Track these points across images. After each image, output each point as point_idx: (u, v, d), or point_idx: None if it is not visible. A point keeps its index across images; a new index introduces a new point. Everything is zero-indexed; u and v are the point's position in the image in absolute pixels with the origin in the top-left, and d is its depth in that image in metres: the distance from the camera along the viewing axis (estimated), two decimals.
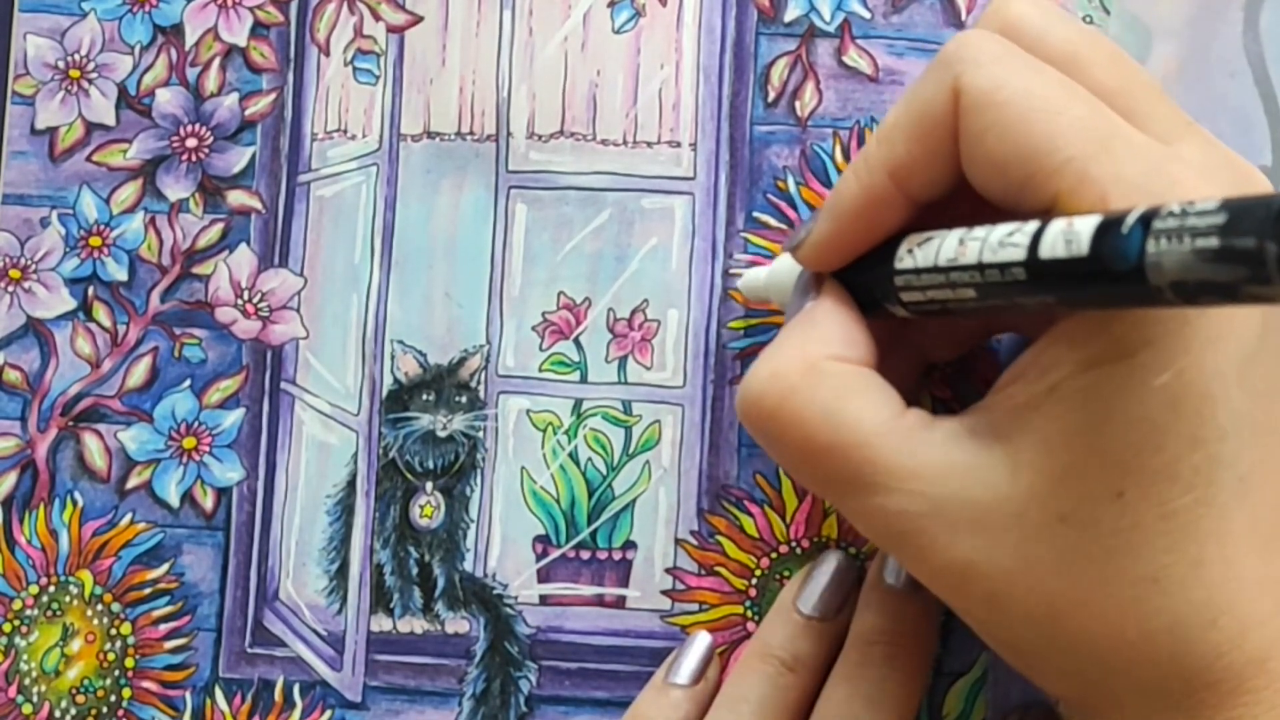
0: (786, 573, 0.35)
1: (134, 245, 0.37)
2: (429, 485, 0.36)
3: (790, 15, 0.36)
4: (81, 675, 0.36)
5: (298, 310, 0.37)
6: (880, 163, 0.27)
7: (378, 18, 0.37)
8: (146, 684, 0.36)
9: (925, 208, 0.28)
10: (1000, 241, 0.24)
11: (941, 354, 0.33)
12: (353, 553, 0.36)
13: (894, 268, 0.27)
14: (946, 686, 0.34)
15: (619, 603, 0.35)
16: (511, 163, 0.36)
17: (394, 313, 0.36)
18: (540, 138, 0.36)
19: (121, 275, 0.37)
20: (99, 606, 0.36)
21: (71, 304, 0.37)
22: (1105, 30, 0.35)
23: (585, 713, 0.35)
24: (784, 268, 0.32)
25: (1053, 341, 0.25)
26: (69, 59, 0.37)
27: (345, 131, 0.37)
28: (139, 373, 0.37)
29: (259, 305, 0.37)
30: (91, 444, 0.36)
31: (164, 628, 0.36)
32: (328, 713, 0.36)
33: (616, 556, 0.35)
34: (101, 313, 0.37)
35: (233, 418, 0.36)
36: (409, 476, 0.36)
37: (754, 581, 0.35)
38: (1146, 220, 0.21)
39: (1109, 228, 0.22)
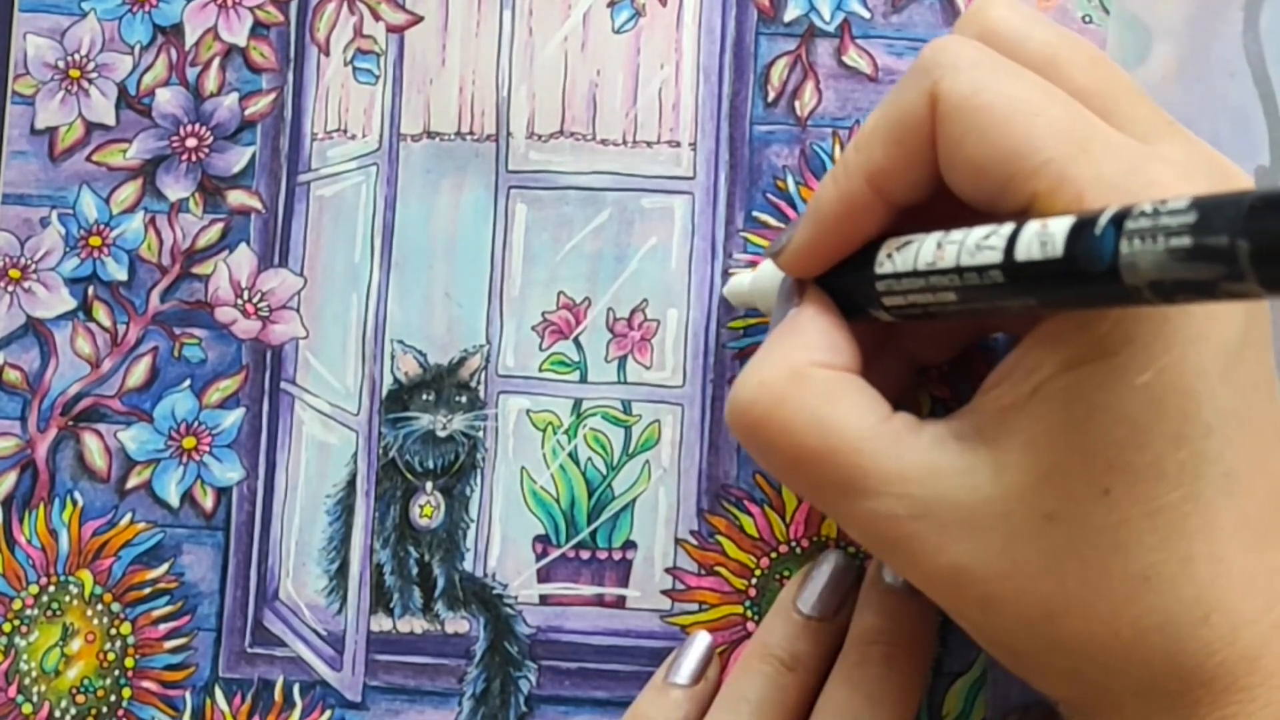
0: (786, 573, 0.35)
1: (134, 245, 0.37)
2: (429, 485, 0.36)
3: (790, 15, 0.36)
4: (81, 675, 0.36)
5: (298, 310, 0.37)
6: (858, 168, 0.27)
7: (378, 18, 0.37)
8: (146, 684, 0.36)
9: (905, 212, 0.28)
10: (977, 244, 0.24)
11: (931, 356, 0.33)
12: (353, 553, 0.36)
13: (874, 273, 0.27)
14: (946, 686, 0.34)
15: (619, 603, 0.35)
16: (511, 163, 0.36)
17: (394, 313, 0.36)
18: (540, 138, 0.36)
19: (121, 275, 0.37)
20: (99, 606, 0.36)
21: (71, 304, 0.37)
22: (1105, 30, 0.35)
23: (585, 713, 0.35)
24: (767, 274, 0.32)
25: (1035, 343, 0.25)
26: (69, 59, 0.37)
27: (345, 131, 0.37)
28: (139, 373, 0.37)
29: (259, 305, 0.37)
30: (91, 444, 0.36)
31: (164, 628, 0.36)
32: (328, 713, 0.36)
33: (616, 556, 0.35)
34: (101, 313, 0.37)
35: (233, 418, 0.36)
36: (409, 476, 0.36)
37: (754, 581, 0.35)
38: (1119, 220, 0.21)
39: (1082, 229, 0.22)
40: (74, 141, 0.37)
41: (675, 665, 0.34)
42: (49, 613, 0.36)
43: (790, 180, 0.36)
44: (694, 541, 0.35)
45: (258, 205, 0.37)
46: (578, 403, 0.36)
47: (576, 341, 0.36)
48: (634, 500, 0.35)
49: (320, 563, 0.36)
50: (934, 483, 0.25)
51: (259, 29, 0.37)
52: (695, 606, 0.35)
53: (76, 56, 0.37)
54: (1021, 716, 0.33)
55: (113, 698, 0.36)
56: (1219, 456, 0.24)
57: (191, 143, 0.37)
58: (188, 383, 0.36)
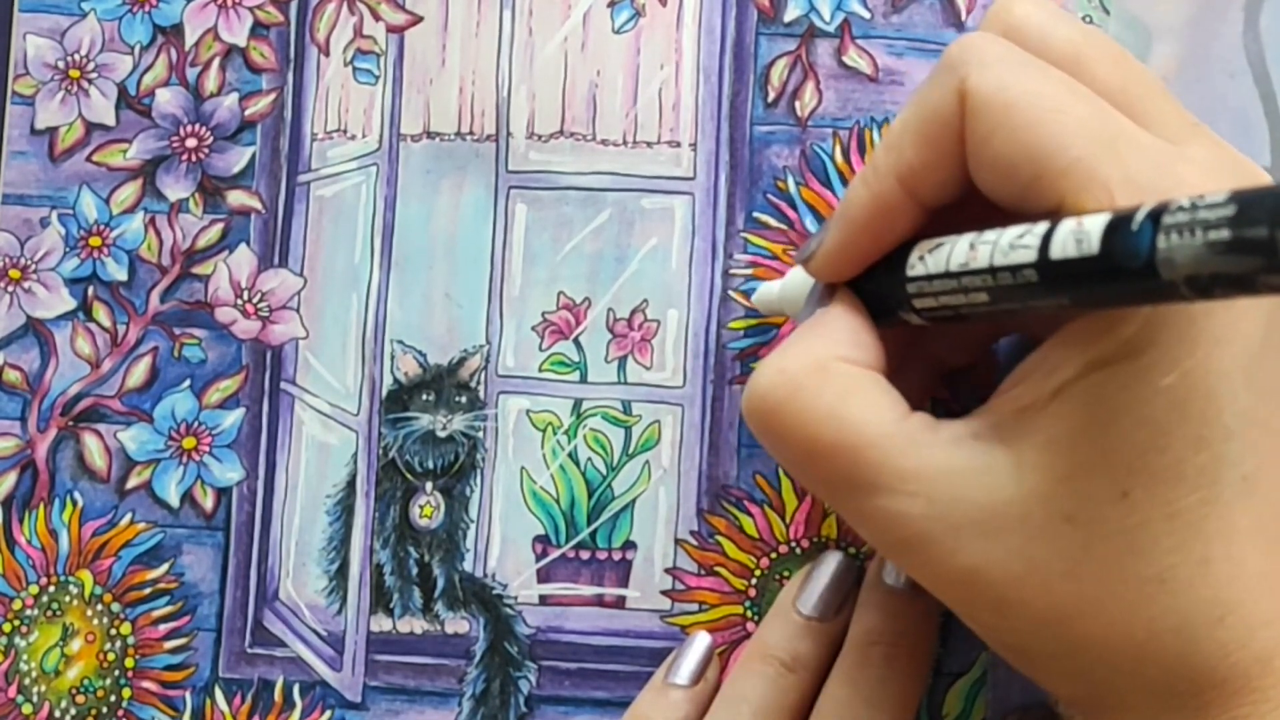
0: (786, 573, 0.35)
1: (134, 245, 0.37)
2: (429, 485, 0.36)
3: (790, 15, 0.36)
4: (81, 675, 0.36)
5: (297, 310, 0.37)
6: (889, 169, 0.27)
7: (378, 18, 0.37)
8: (146, 684, 0.36)
9: (935, 214, 0.27)
10: (1011, 244, 0.24)
11: (957, 358, 0.33)
12: (352, 553, 0.36)
13: (905, 275, 0.27)
14: (946, 686, 0.34)
15: (619, 603, 0.35)
16: (511, 163, 0.36)
17: (394, 313, 0.36)
18: (540, 138, 0.36)
19: (121, 275, 0.37)
20: (99, 606, 0.36)
21: (71, 304, 0.37)
22: (1105, 30, 0.35)
23: (585, 713, 0.35)
24: (796, 280, 0.32)
25: (1059, 343, 0.25)
26: (69, 59, 0.37)
27: (345, 131, 0.37)
28: (139, 373, 0.37)
29: (259, 305, 0.37)
30: (91, 444, 0.36)
31: (164, 628, 0.36)
32: (328, 713, 0.35)
33: (616, 556, 0.35)
34: (101, 313, 0.37)
35: (233, 418, 0.36)
36: (409, 476, 0.36)
37: (754, 582, 0.35)
38: (1156, 216, 0.21)
39: (1119, 225, 0.21)
40: (74, 142, 0.37)
41: (675, 666, 0.34)
42: (49, 613, 0.36)
43: (790, 181, 0.36)
44: (694, 542, 0.35)
45: (258, 205, 0.37)
46: (578, 403, 0.36)
47: (576, 342, 0.36)
48: (634, 500, 0.35)
49: (320, 563, 0.36)
50: (950, 483, 0.25)
51: (259, 29, 0.37)
52: (695, 607, 0.35)
53: (76, 56, 0.37)
54: (1021, 717, 0.33)
55: (113, 698, 0.36)
56: (1239, 460, 0.24)
57: (191, 143, 0.37)
58: (188, 383, 0.36)
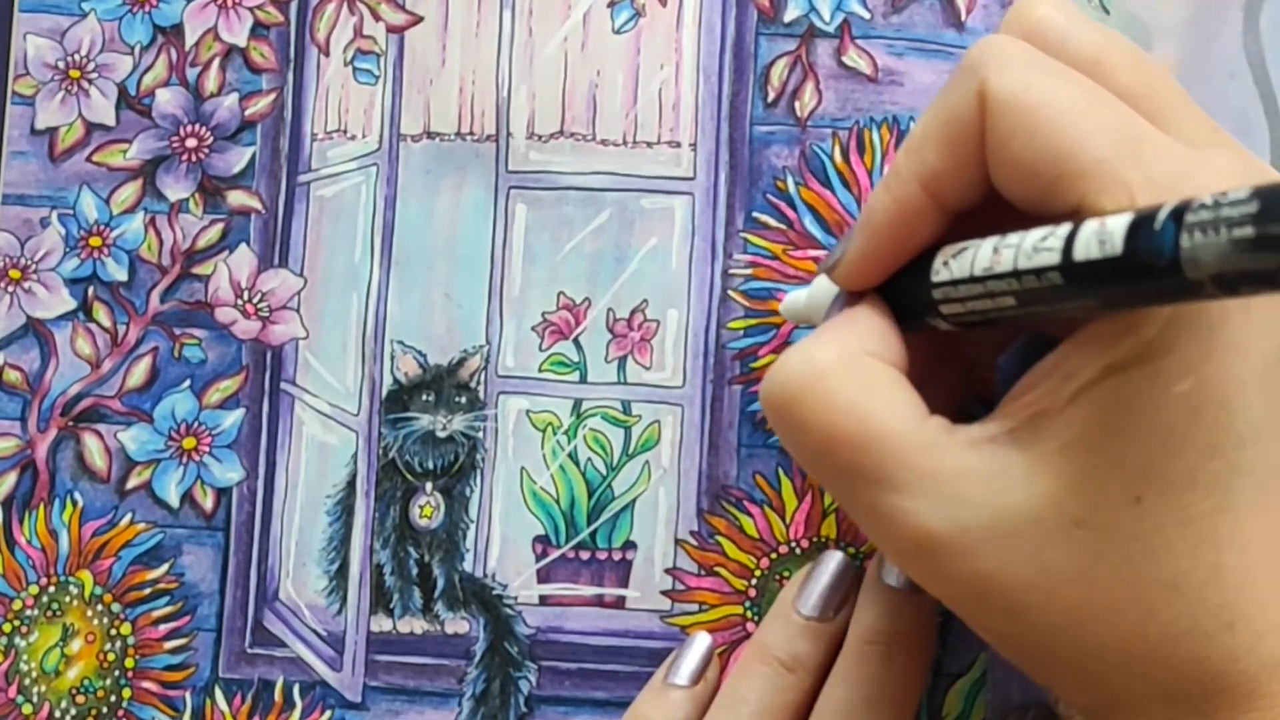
0: (786, 573, 0.35)
1: (134, 245, 0.37)
2: (429, 485, 0.36)
3: (790, 15, 0.36)
4: (81, 675, 0.36)
5: (298, 310, 0.37)
6: (911, 174, 0.26)
7: (378, 18, 0.37)
8: (146, 684, 0.36)
9: (958, 219, 0.27)
10: (1034, 247, 0.24)
11: (985, 361, 0.33)
12: (353, 553, 0.36)
13: (931, 281, 0.27)
14: (946, 687, 0.34)
15: (619, 603, 0.35)
16: (511, 163, 0.36)
17: (394, 313, 0.36)
18: (540, 138, 0.36)
19: (121, 275, 0.37)
20: (99, 607, 0.36)
21: (71, 304, 0.37)
22: None
23: (585, 713, 0.35)
24: (822, 289, 0.31)
25: (1075, 348, 0.24)
26: (69, 59, 0.37)
27: (345, 131, 0.37)
28: (139, 373, 0.37)
29: (259, 305, 0.37)
30: (91, 444, 0.36)
31: (164, 628, 0.36)
32: (328, 713, 0.35)
33: (616, 557, 0.35)
34: (101, 313, 0.37)
35: (233, 418, 0.36)
36: (409, 477, 0.36)
37: (754, 582, 0.35)
38: (1179, 214, 0.21)
39: (1142, 225, 0.21)
40: (74, 142, 0.37)
41: (675, 666, 0.33)
42: (49, 613, 0.36)
43: (790, 181, 0.36)
44: (694, 542, 0.35)
45: (258, 205, 0.37)
46: (578, 403, 0.36)
47: (576, 342, 0.36)
48: (634, 501, 0.35)
49: (320, 563, 0.36)
50: (964, 486, 0.25)
51: (259, 29, 0.37)
52: (695, 607, 0.35)
53: (76, 57, 0.37)
54: (1021, 717, 0.33)
55: (113, 698, 0.36)
56: (1251, 468, 0.24)
57: (191, 143, 0.37)
58: (188, 383, 0.36)
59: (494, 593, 0.35)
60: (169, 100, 0.37)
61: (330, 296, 0.36)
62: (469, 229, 0.36)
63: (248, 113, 0.37)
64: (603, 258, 0.36)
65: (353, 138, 0.36)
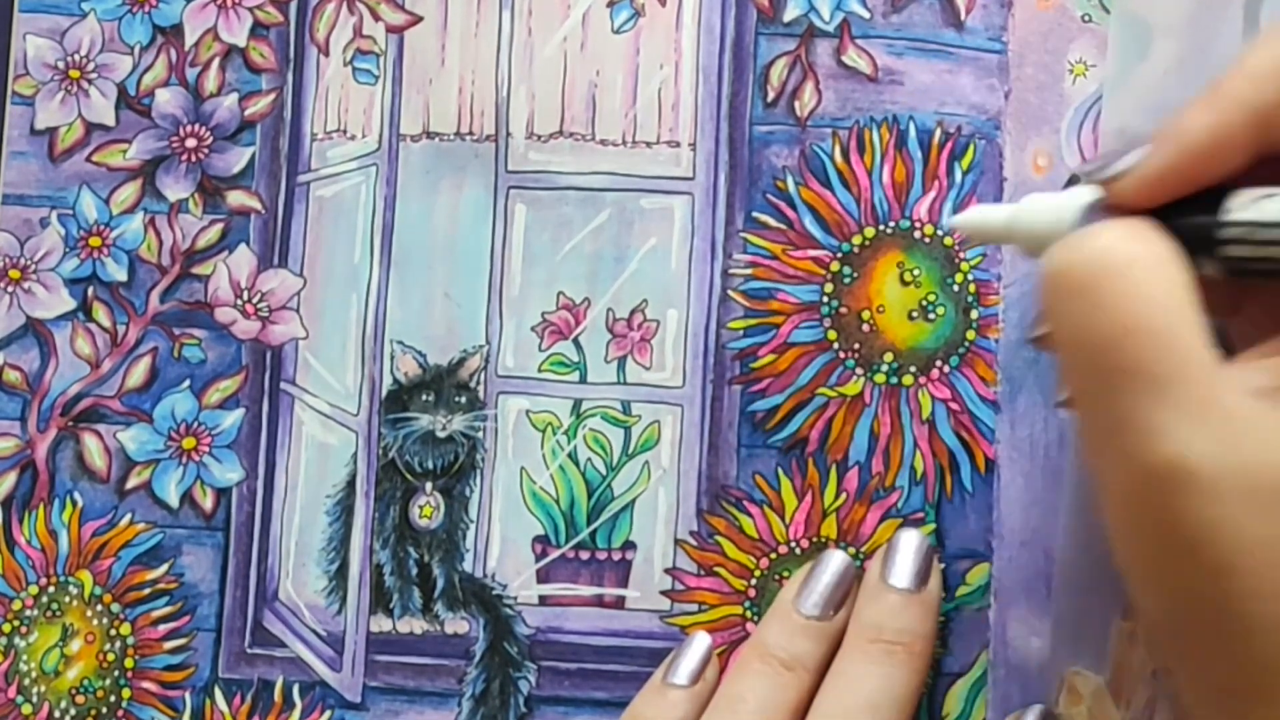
0: (785, 573, 0.35)
1: (134, 245, 0.37)
2: (428, 485, 0.36)
3: (789, 15, 0.36)
4: (81, 675, 0.36)
5: (297, 310, 0.37)
6: (1246, 101, 0.24)
7: (377, 18, 0.37)
8: (146, 684, 0.36)
9: (1260, 164, 0.25)
10: None
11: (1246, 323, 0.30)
12: (352, 553, 0.36)
13: (1222, 220, 0.25)
14: (946, 686, 0.34)
15: (618, 603, 0.35)
16: (511, 163, 0.36)
17: (394, 313, 0.36)
18: (540, 138, 0.36)
19: (121, 275, 0.37)
20: (99, 607, 0.36)
21: (71, 304, 0.37)
22: (1105, 29, 0.35)
23: (584, 713, 0.35)
24: (1040, 206, 0.28)
25: None
26: (69, 59, 0.37)
27: (345, 131, 0.37)
28: (139, 373, 0.37)
29: (259, 305, 0.37)
30: (91, 444, 0.36)
31: (163, 628, 0.36)
32: (327, 713, 0.35)
33: (616, 557, 0.35)
34: (101, 313, 0.37)
35: (232, 418, 0.36)
36: (408, 477, 0.36)
37: (753, 582, 0.35)
38: None
39: None
40: (74, 142, 0.37)
41: (674, 665, 0.33)
42: (49, 613, 0.36)
43: (790, 180, 0.36)
44: (693, 542, 0.35)
45: (257, 206, 0.37)
46: (577, 403, 0.36)
47: (576, 342, 0.36)
48: (634, 501, 0.35)
49: (320, 563, 0.36)
50: (1237, 429, 0.23)
51: (259, 29, 0.37)
52: (695, 607, 0.35)
53: (76, 57, 0.37)
54: (1021, 718, 0.33)
55: (112, 698, 0.36)
56: None
57: (191, 143, 0.37)
58: (187, 383, 0.36)
59: (494, 593, 0.35)
60: (169, 100, 0.37)
61: (330, 296, 0.36)
62: (468, 229, 0.36)
63: (247, 113, 0.37)
64: (602, 258, 0.36)
65: (352, 138, 0.36)
